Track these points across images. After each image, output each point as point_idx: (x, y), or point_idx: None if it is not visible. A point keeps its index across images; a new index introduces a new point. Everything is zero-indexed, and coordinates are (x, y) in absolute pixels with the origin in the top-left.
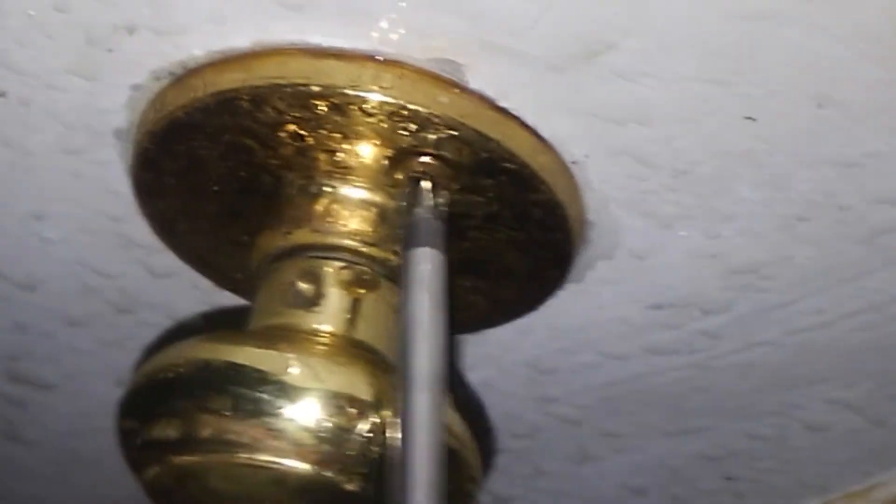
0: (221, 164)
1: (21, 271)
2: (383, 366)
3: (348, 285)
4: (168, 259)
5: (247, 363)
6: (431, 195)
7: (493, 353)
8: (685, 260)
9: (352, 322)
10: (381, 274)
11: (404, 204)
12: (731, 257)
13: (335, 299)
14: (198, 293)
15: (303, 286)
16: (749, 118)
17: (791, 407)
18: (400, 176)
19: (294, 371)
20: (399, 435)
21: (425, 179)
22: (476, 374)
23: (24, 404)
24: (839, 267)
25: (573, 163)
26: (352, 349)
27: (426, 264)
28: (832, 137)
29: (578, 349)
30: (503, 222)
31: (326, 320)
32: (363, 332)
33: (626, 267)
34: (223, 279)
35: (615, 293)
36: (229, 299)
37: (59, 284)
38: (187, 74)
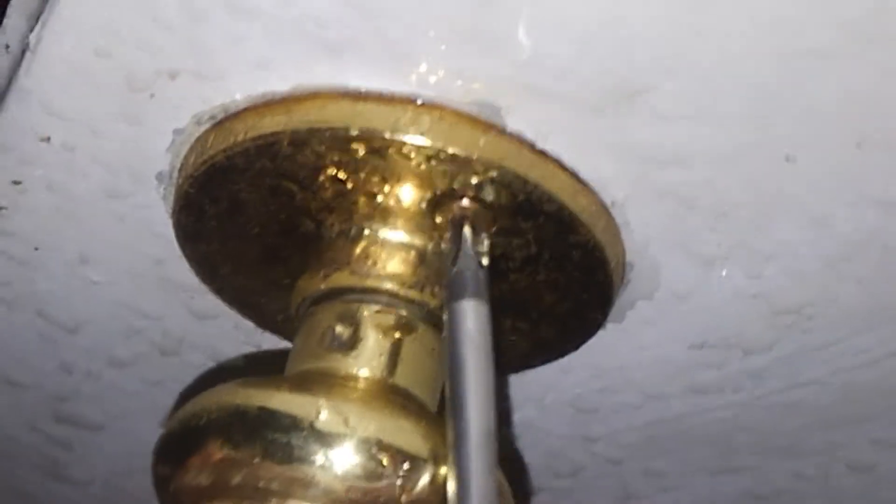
0: (262, 207)
1: (66, 314)
2: (420, 412)
3: (386, 329)
4: (210, 301)
5: (278, 408)
6: (473, 242)
7: (533, 392)
8: (727, 300)
9: (389, 366)
10: (419, 317)
11: (446, 251)
12: (774, 297)
13: (372, 343)
14: (240, 334)
15: (340, 329)
16: (790, 159)
17: (835, 446)
18: (439, 219)
19: (325, 417)
20: (448, 488)
21: (466, 224)
22: (517, 413)
23: (71, 445)
24: (884, 306)
25: (613, 204)
26: (388, 395)
27: (472, 318)
28: (872, 176)
29: (620, 388)
30: (543, 264)
31: (363, 364)
32: (401, 377)
33: (667, 307)
34: (265, 321)
35: (656, 333)
36: (272, 340)
37: (103, 326)
38: (228, 118)
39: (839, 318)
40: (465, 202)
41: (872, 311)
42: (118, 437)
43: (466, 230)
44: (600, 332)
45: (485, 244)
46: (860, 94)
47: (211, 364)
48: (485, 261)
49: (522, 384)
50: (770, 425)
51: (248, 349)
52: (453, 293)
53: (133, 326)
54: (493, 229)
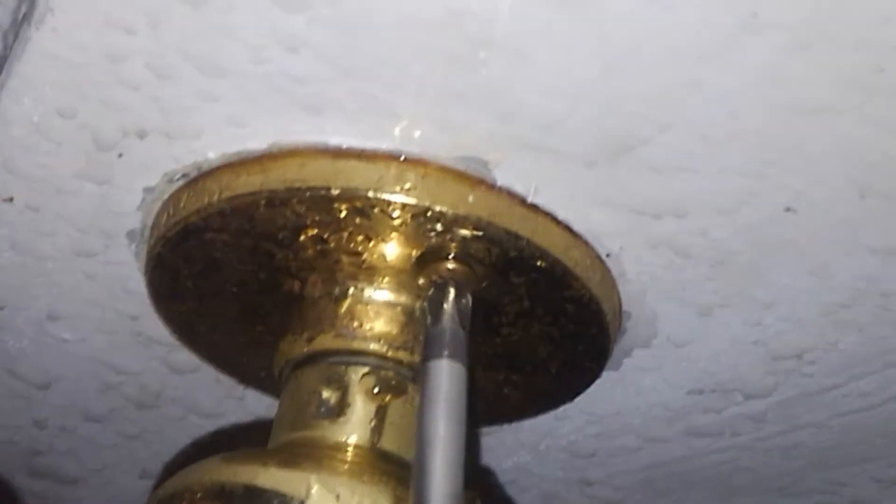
0: (240, 266)
1: (37, 371)
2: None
3: (374, 392)
4: (189, 355)
5: (267, 486)
6: (454, 301)
7: (528, 439)
8: (726, 346)
9: (378, 431)
10: (408, 378)
11: (425, 310)
12: (774, 343)
13: (360, 408)
14: (221, 388)
15: (327, 394)
16: (789, 209)
17: (838, 485)
18: (426, 274)
19: (316, 493)
20: None
21: (450, 284)
22: (511, 459)
23: (48, 498)
24: (885, 352)
25: (608, 255)
26: (378, 463)
27: (444, 377)
28: (873, 226)
29: (617, 433)
30: (536, 317)
31: (352, 431)
32: (390, 441)
33: (665, 354)
34: (247, 377)
35: (654, 379)
36: (255, 393)
37: (76, 382)
38: (201, 177)
39: (840, 363)
40: (452, 263)
41: (873, 356)
42: (97, 490)
43: (449, 290)
44: (596, 380)
45: (468, 304)
46: (861, 147)
47: (192, 417)
48: (465, 321)
49: (516, 431)
50: (769, 467)
51: (230, 402)
52: (429, 352)
53: (107, 381)
54: (483, 285)
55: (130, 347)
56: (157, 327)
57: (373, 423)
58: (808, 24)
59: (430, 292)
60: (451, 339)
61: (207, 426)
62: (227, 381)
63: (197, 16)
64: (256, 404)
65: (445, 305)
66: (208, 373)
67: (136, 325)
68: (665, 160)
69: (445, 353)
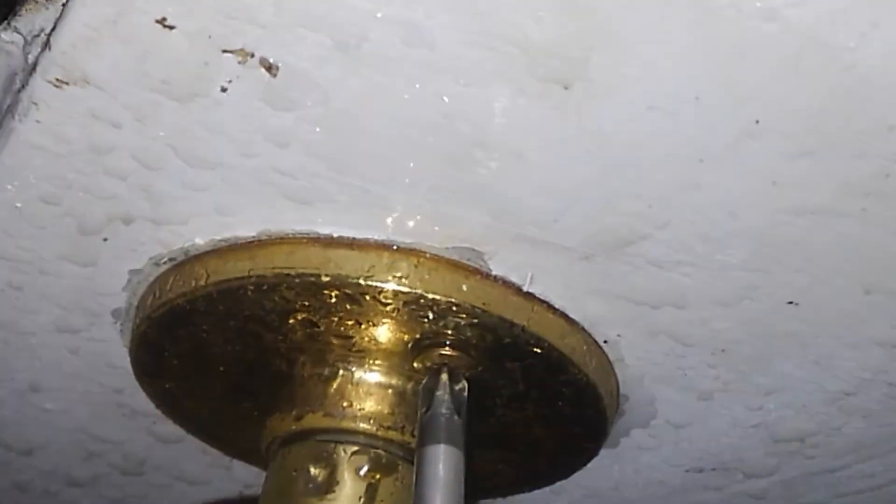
0: (227, 347)
1: (19, 438)
2: None
3: (363, 470)
4: (175, 426)
5: None
6: (449, 387)
7: None
8: (726, 429)
9: None
10: (398, 456)
11: (421, 394)
12: (776, 427)
13: (349, 486)
14: (207, 457)
15: (315, 472)
16: (792, 303)
17: None
18: (419, 360)
19: None
20: None
21: (443, 371)
22: None
23: None
24: (890, 437)
25: (605, 342)
26: None
27: (440, 463)
28: (879, 320)
29: None
30: (531, 400)
31: None
32: None
33: (664, 434)
34: (233, 451)
35: (652, 458)
36: (241, 464)
37: (59, 449)
38: (189, 261)
39: (843, 447)
40: (445, 349)
41: (878, 441)
42: None
43: (443, 376)
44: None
45: (463, 390)
46: (865, 247)
47: (177, 484)
48: (460, 407)
49: (512, 503)
50: None
51: (217, 471)
52: (425, 438)
53: (91, 450)
54: (478, 369)
55: (114, 418)
56: (141, 400)
57: (362, 501)
58: (810, 131)
59: (426, 378)
60: (446, 426)
61: (193, 494)
62: (213, 451)
63: (184, 112)
64: (244, 473)
65: (441, 392)
66: (194, 442)
67: (120, 398)
68: (664, 255)
69: (442, 439)
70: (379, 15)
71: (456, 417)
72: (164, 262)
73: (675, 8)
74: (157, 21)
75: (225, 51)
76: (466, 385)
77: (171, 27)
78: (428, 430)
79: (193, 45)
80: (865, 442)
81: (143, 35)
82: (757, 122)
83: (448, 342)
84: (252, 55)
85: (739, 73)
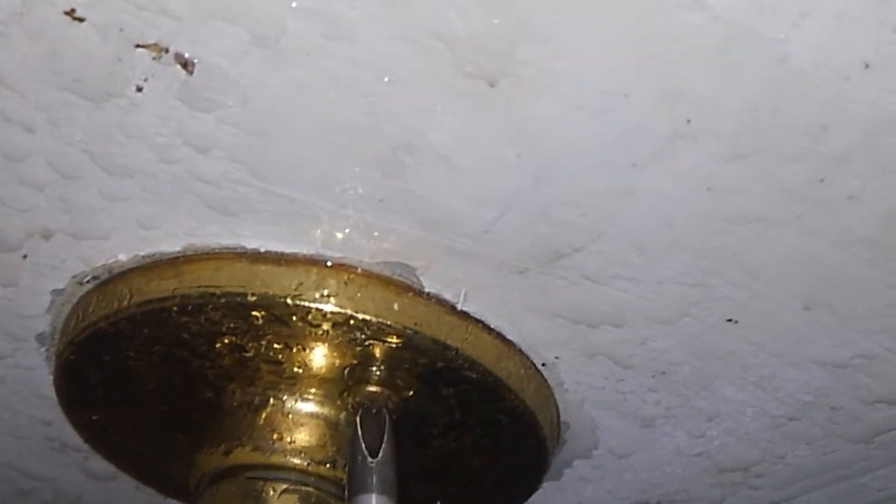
0: (153, 374)
1: None
2: None
3: None
4: (107, 462)
5: None
6: (377, 430)
7: None
8: (670, 458)
9: None
10: (330, 494)
11: (349, 442)
12: (719, 456)
13: None
14: (142, 495)
15: None
16: (731, 320)
17: None
18: (346, 397)
19: None
20: None
21: (376, 406)
22: None
23: None
24: (836, 465)
25: (543, 365)
26: None
27: None
28: (820, 338)
29: None
30: (468, 429)
31: None
32: None
33: (607, 465)
34: (166, 487)
35: (596, 490)
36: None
37: None
38: (112, 279)
39: (788, 477)
40: (373, 385)
41: (822, 470)
42: None
43: (370, 418)
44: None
45: (392, 431)
46: (804, 259)
47: None
48: (390, 451)
49: None
50: None
51: None
52: (355, 486)
53: (21, 488)
54: (410, 395)
55: (44, 453)
56: (71, 432)
57: None
58: (743, 131)
59: (355, 422)
60: (377, 473)
61: None
62: (148, 489)
63: (99, 113)
64: None
65: (368, 435)
66: (128, 480)
67: (49, 431)
68: (599, 268)
69: (372, 487)
70: (294, 5)
71: (387, 464)
72: (88, 281)
73: None
74: (66, 13)
75: (138, 45)
76: (392, 423)
77: (81, 19)
78: (357, 478)
79: (105, 39)
80: (810, 471)
81: (53, 29)
82: (688, 121)
83: (377, 377)
84: (167, 50)
85: (668, 67)
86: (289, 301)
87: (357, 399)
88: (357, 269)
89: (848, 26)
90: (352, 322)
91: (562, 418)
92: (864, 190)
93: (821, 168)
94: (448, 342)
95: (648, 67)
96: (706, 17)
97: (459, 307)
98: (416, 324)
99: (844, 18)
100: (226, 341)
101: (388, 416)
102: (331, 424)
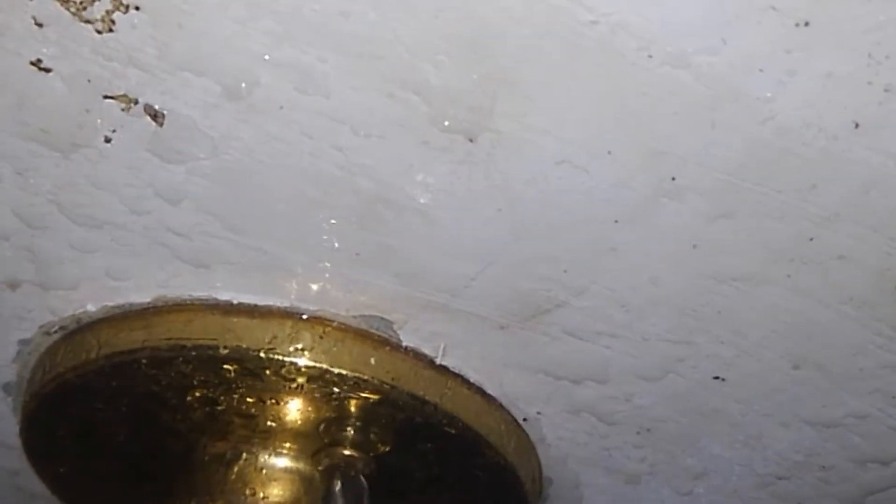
0: (122, 426)
1: None
2: None
3: None
4: None
5: None
6: (352, 493)
7: None
8: None
9: None
10: None
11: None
12: None
13: None
14: None
15: None
16: (718, 378)
17: None
18: (328, 452)
19: None
20: None
21: (354, 471)
22: None
23: None
24: None
25: (524, 420)
26: None
27: None
28: (809, 397)
29: None
30: (447, 486)
31: None
32: None
33: None
34: None
35: None
36: None
37: None
38: (80, 330)
39: None
40: (351, 441)
41: None
42: None
43: (350, 484)
44: None
45: (368, 499)
46: (792, 318)
47: None
48: None
49: None
50: None
51: None
52: None
53: None
54: (387, 450)
55: (13, 502)
56: (40, 483)
57: None
58: (728, 190)
59: (333, 492)
60: None
61: None
62: None
63: (67, 164)
64: None
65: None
66: None
67: (17, 480)
68: (583, 325)
69: None
70: (267, 57)
71: None
72: (55, 331)
73: (581, 53)
74: (33, 63)
75: (107, 96)
76: (370, 491)
77: (48, 70)
78: None
79: (72, 89)
80: None
81: (19, 79)
82: (673, 178)
83: (353, 432)
84: (136, 101)
85: (652, 124)
86: (262, 354)
87: (334, 462)
88: (333, 322)
89: (836, 86)
90: (327, 376)
91: (544, 474)
92: (854, 249)
93: (810, 227)
94: (426, 397)
95: (631, 124)
96: (690, 74)
97: (438, 362)
98: (393, 378)
99: (832, 78)
100: (197, 394)
101: (366, 486)
102: (305, 480)
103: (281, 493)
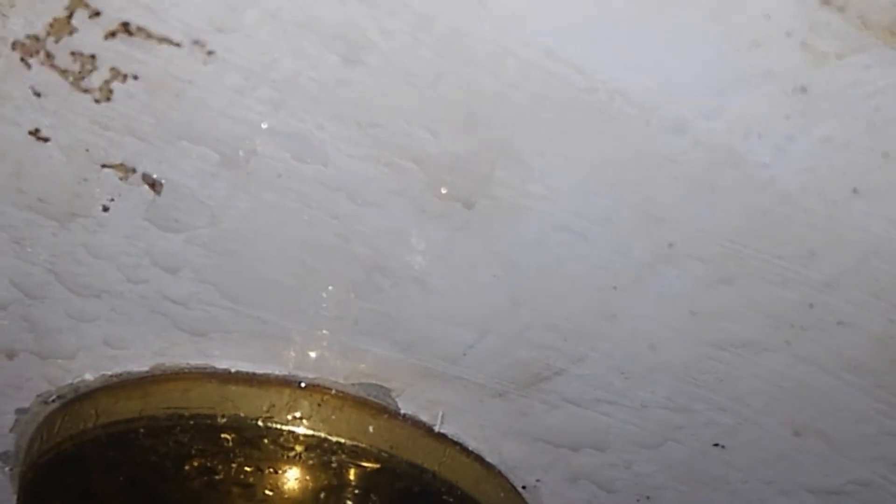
0: (119, 497)
1: None
2: None
3: None
4: None
5: None
6: None
7: None
8: None
9: None
10: None
11: None
12: None
13: None
14: None
15: None
16: (718, 445)
17: None
18: None
19: None
20: None
21: None
22: None
23: None
24: None
25: (524, 488)
26: None
27: None
28: (811, 465)
29: None
30: None
31: None
32: None
33: None
34: None
35: None
36: None
37: None
38: (78, 399)
39: None
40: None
41: None
42: None
43: None
44: None
45: None
46: (793, 385)
47: None
48: None
49: None
50: None
51: None
52: None
53: None
54: None
55: None
56: None
57: None
58: (728, 256)
59: None
60: None
61: None
62: None
63: (65, 233)
64: None
65: None
66: None
67: None
68: (582, 392)
69: None
70: (264, 126)
71: None
72: (53, 401)
73: (580, 120)
74: (31, 133)
75: (104, 165)
76: None
77: (46, 139)
78: None
79: (70, 159)
80: None
81: (16, 148)
82: (671, 245)
83: (351, 501)
84: (134, 170)
85: (651, 190)
86: (260, 423)
87: None
88: (331, 390)
89: (835, 151)
90: (325, 445)
91: None
92: (855, 316)
93: (810, 293)
94: (425, 465)
95: (630, 190)
96: (688, 141)
97: (437, 429)
98: (391, 447)
99: (831, 143)
100: (195, 464)
101: None
102: None
103: None
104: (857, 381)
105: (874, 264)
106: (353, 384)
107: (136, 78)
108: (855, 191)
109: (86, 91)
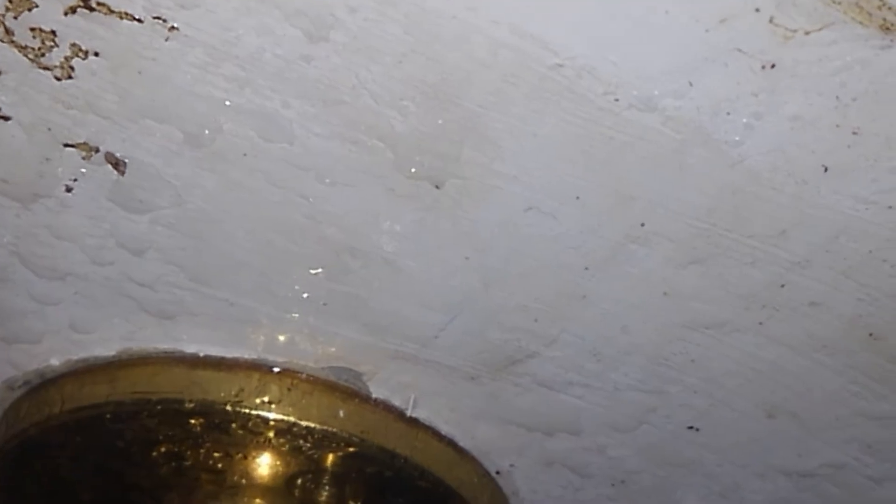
0: (87, 483)
1: None
2: None
3: None
4: None
5: None
6: None
7: None
8: None
9: None
10: None
11: None
12: None
13: None
14: None
15: None
16: (692, 428)
17: None
18: (297, 494)
19: None
20: None
21: None
22: None
23: None
24: None
25: (497, 473)
26: None
27: None
28: (784, 447)
29: None
30: None
31: None
32: None
33: None
34: None
35: None
36: None
37: None
38: (44, 385)
39: None
40: (316, 502)
41: None
42: None
43: None
44: None
45: None
46: (765, 366)
47: None
48: None
49: None
50: None
51: None
52: None
53: None
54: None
55: None
56: None
57: None
58: (699, 235)
59: None
60: None
61: None
62: None
63: (28, 215)
64: None
65: None
66: None
67: None
68: (554, 375)
69: None
70: (228, 103)
71: None
72: (19, 386)
73: (547, 98)
74: None
75: (67, 145)
76: None
77: (6, 118)
78: None
79: (32, 138)
80: None
81: None
82: (642, 224)
83: (319, 495)
84: (97, 150)
85: (620, 169)
86: (229, 408)
87: None
88: (301, 374)
89: (803, 129)
90: (295, 430)
91: None
92: (825, 295)
93: (781, 273)
94: (397, 450)
95: (599, 169)
96: (657, 118)
97: (409, 414)
98: (363, 431)
99: (800, 121)
100: (163, 450)
101: None
102: None
103: None
104: (829, 362)
105: (843, 243)
106: (323, 368)
107: (97, 55)
108: (825, 169)
109: (46, 68)
